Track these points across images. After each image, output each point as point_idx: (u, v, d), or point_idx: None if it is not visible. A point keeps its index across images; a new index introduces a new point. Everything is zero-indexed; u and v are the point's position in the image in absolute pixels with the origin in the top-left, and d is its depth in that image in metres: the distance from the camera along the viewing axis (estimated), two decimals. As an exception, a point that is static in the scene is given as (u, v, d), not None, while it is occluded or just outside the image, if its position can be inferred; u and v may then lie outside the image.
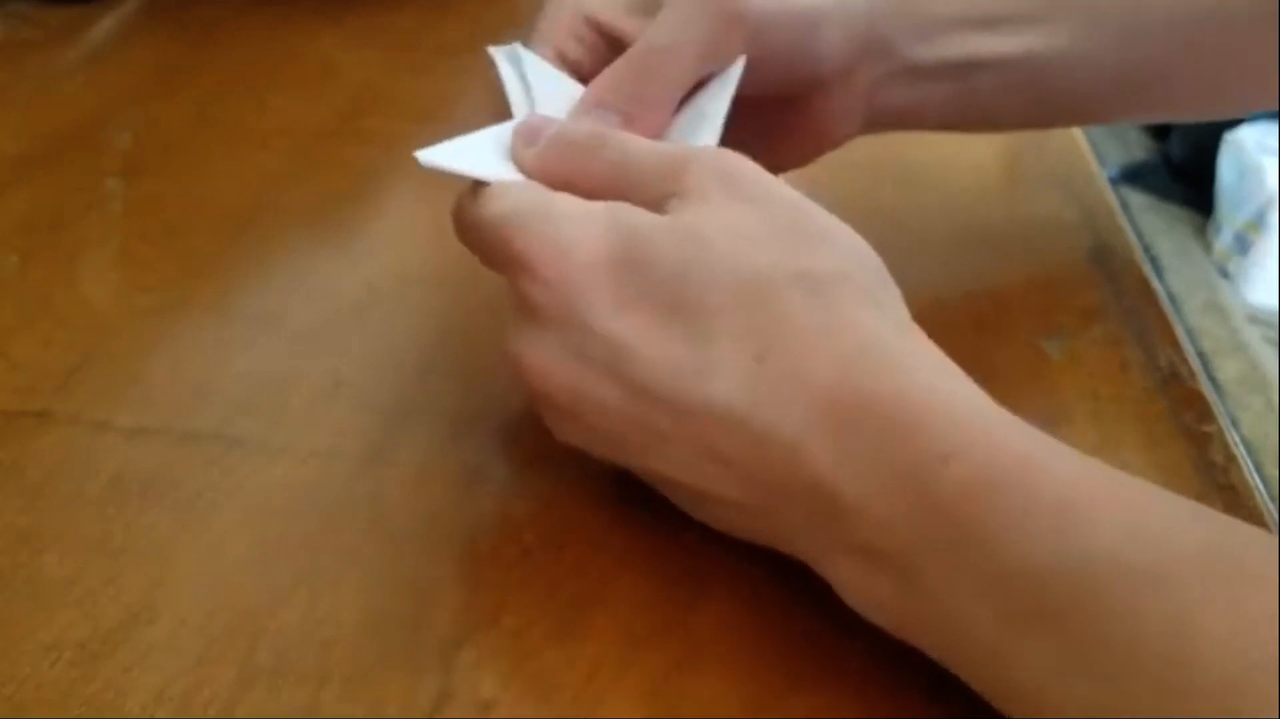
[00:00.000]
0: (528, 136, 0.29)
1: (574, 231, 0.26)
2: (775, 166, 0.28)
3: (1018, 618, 0.21)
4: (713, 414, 0.24)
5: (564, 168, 0.28)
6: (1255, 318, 1.88)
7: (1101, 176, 0.47)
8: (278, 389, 0.33)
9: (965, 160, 0.49)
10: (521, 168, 0.29)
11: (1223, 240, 2.01)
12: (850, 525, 0.23)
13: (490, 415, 0.33)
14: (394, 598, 0.27)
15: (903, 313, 0.26)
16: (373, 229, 0.43)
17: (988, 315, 0.38)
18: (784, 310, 0.24)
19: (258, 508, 0.29)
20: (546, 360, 0.26)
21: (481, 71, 0.57)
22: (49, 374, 0.34)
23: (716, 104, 0.31)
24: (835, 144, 0.37)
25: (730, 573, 0.27)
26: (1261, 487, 0.31)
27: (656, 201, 0.26)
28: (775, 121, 0.35)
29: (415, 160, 0.28)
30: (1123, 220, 0.44)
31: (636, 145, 0.28)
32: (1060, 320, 0.37)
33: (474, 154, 0.29)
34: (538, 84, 0.32)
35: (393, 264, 0.41)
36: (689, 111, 0.32)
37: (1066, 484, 0.22)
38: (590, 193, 0.27)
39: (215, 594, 0.27)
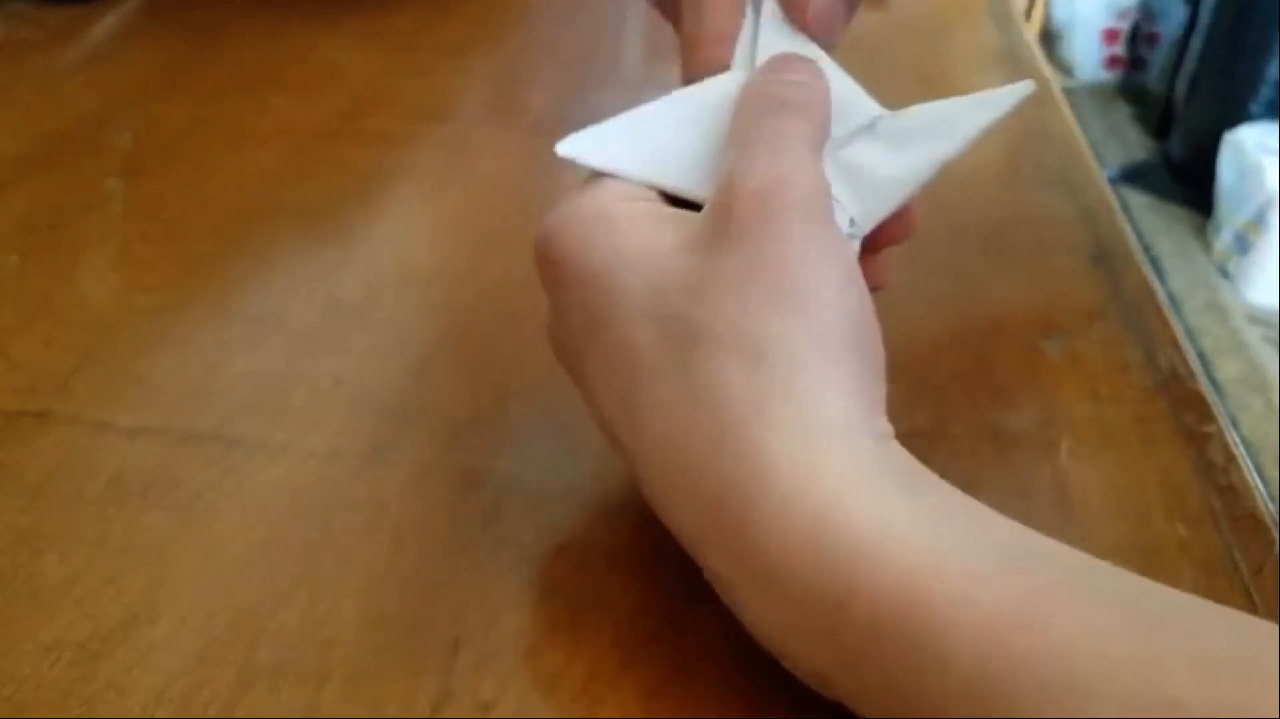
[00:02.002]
0: (784, 65, 0.28)
1: (589, 243, 0.26)
2: None
3: None
4: (639, 482, 0.25)
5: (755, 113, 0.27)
6: (1255, 318, 1.88)
7: (1101, 176, 0.47)
8: (278, 389, 0.33)
9: (965, 159, 0.49)
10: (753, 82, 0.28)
11: (1223, 240, 2.01)
12: (766, 639, 0.23)
13: (490, 415, 0.33)
14: (394, 598, 0.27)
15: (846, 400, 0.23)
16: (373, 229, 0.43)
17: (988, 315, 0.38)
18: (704, 383, 0.23)
19: (258, 508, 0.29)
20: (553, 338, 0.28)
21: (482, 71, 0.57)
22: (49, 374, 0.34)
23: (968, 121, 0.28)
24: None
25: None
26: (1261, 487, 0.31)
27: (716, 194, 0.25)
28: None
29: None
30: (1123, 220, 0.44)
31: (791, 140, 0.26)
32: (1060, 320, 0.37)
33: (624, 141, 0.28)
34: (766, 38, 0.29)
35: (393, 264, 0.41)
36: (943, 113, 0.28)
37: (980, 638, 0.19)
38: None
39: (215, 594, 0.27)
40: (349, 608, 0.26)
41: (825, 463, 0.22)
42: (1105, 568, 0.21)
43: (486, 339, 0.36)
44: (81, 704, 0.24)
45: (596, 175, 0.27)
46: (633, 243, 0.25)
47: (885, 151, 0.28)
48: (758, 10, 0.29)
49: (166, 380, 0.34)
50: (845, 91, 0.28)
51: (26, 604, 0.26)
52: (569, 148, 0.27)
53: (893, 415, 0.24)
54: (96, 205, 0.43)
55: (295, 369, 0.34)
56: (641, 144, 0.28)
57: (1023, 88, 0.28)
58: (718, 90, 0.28)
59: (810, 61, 0.28)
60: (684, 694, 0.24)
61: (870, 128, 0.28)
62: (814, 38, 0.29)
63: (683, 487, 0.23)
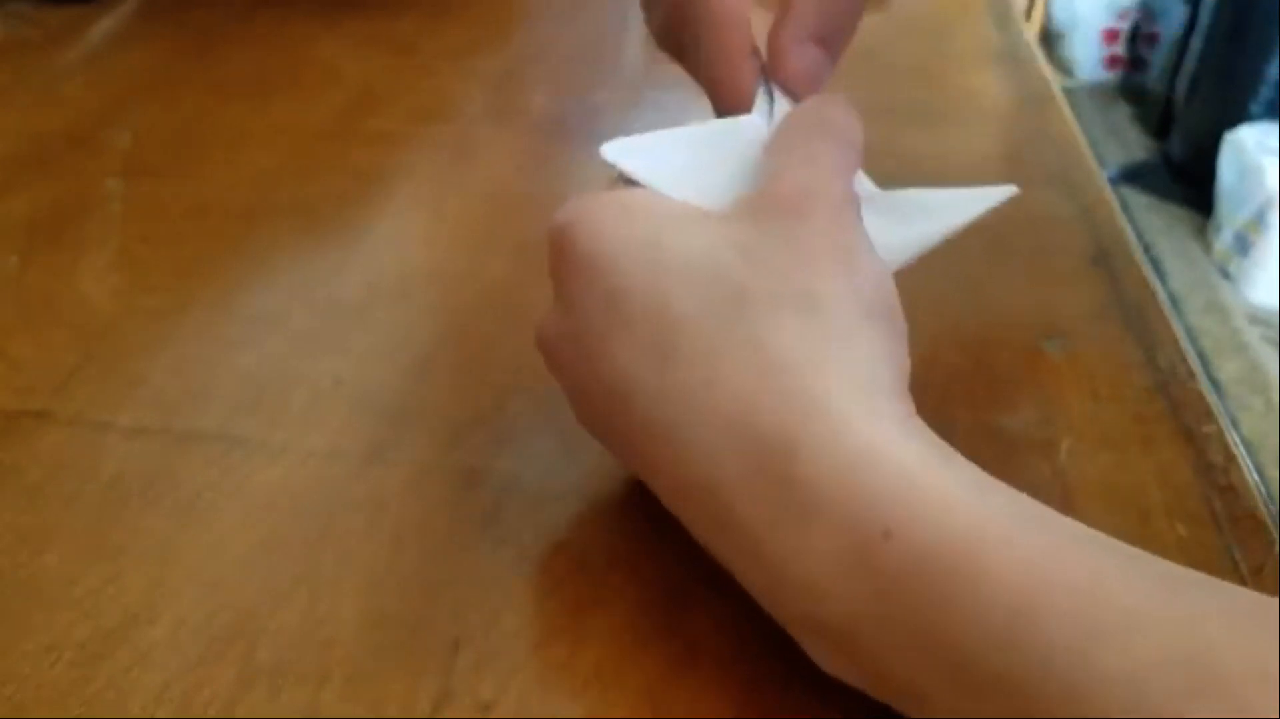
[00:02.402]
0: (827, 99, 0.29)
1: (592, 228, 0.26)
2: None
3: (974, 692, 0.20)
4: (658, 439, 0.24)
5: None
6: (1255, 318, 1.88)
7: (1101, 176, 0.47)
8: (278, 389, 0.34)
9: (965, 159, 0.49)
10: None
11: (1223, 240, 2.01)
12: (793, 587, 0.23)
13: (490, 415, 0.33)
14: (394, 598, 0.27)
15: (884, 363, 0.24)
16: (373, 229, 0.43)
17: (988, 315, 0.38)
18: (751, 334, 0.23)
19: (258, 508, 0.29)
20: (553, 335, 0.28)
21: (482, 73, 0.57)
22: (49, 374, 0.34)
23: (953, 214, 0.30)
24: None
25: (728, 573, 0.27)
26: (1262, 487, 0.31)
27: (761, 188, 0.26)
28: None
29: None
30: (1123, 220, 0.44)
31: (808, 159, 0.27)
32: (1060, 320, 0.37)
33: (662, 155, 0.28)
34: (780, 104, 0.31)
35: (393, 264, 0.41)
36: (931, 201, 0.30)
37: (1021, 574, 0.20)
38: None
39: (215, 594, 0.27)
40: (349, 608, 0.26)
41: (870, 407, 0.23)
42: (1125, 545, 0.21)
43: (486, 339, 0.36)
44: (81, 704, 0.24)
45: (619, 181, 0.28)
46: (651, 230, 0.26)
47: (876, 222, 0.29)
48: (769, 88, 0.31)
49: (166, 380, 0.34)
50: None
51: (26, 604, 0.26)
52: (614, 152, 0.28)
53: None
54: (96, 205, 0.43)
55: (295, 369, 0.34)
56: (678, 162, 0.28)
57: (1006, 190, 0.30)
58: (751, 130, 0.30)
59: (847, 101, 0.30)
60: (684, 694, 0.24)
61: (866, 199, 0.29)
62: (794, 91, 0.31)
63: (719, 436, 0.23)
